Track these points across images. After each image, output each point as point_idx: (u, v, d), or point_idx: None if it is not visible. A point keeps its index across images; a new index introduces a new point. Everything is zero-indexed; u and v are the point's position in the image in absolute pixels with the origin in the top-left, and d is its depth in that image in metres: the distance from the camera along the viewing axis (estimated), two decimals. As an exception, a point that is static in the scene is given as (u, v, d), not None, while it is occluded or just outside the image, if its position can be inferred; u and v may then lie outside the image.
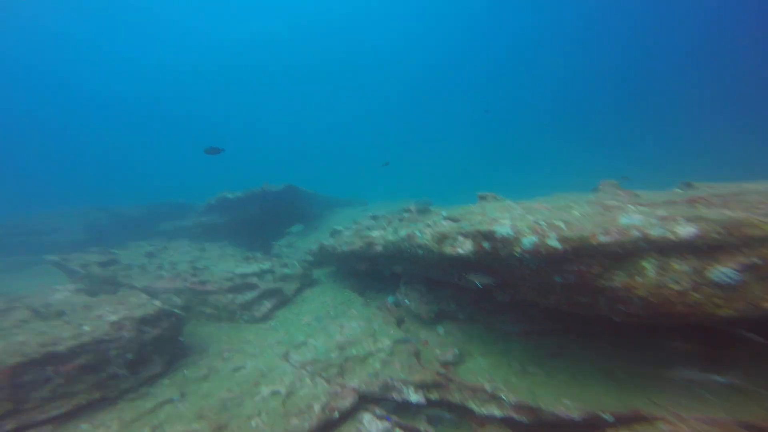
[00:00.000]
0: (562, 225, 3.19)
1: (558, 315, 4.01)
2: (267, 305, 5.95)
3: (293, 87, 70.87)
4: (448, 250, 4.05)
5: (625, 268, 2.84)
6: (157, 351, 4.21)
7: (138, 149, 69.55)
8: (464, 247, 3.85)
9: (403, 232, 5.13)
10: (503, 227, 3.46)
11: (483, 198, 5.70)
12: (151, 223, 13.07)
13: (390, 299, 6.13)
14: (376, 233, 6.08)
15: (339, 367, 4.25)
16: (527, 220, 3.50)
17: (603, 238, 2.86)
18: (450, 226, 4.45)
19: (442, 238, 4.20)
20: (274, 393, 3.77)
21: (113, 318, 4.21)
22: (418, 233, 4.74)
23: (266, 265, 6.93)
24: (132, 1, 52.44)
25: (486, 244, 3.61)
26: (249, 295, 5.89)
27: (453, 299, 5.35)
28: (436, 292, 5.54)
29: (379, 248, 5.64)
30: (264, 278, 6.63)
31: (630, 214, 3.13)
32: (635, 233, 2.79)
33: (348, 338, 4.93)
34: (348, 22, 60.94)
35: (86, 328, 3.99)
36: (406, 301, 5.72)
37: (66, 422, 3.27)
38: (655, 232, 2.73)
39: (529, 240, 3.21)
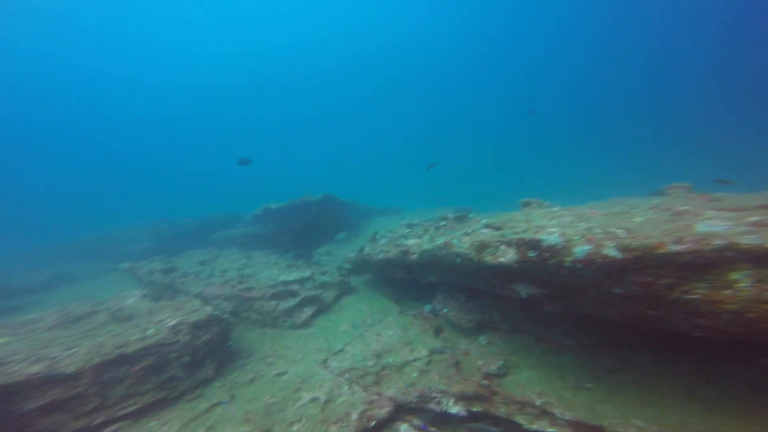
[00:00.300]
0: (620, 232, 2.89)
1: (618, 327, 3.63)
2: (307, 312, 6.11)
3: (331, 98, 73.34)
4: (488, 259, 3.88)
5: (707, 280, 2.50)
6: (209, 355, 4.48)
7: (197, 166, 76.14)
8: (507, 256, 3.66)
9: (439, 241, 5.03)
10: (551, 235, 3.22)
11: (527, 204, 5.40)
12: (206, 233, 14.15)
13: (427, 308, 6.03)
14: (411, 241, 6.05)
15: (376, 375, 4.24)
16: (579, 227, 3.22)
17: (674, 247, 2.54)
18: (490, 234, 4.29)
19: (482, 246, 4.04)
20: (314, 399, 3.83)
21: (172, 323, 4.58)
22: (455, 242, 4.63)
23: (306, 273, 7.14)
24: (186, 22, 57.97)
25: (531, 254, 3.39)
26: (290, 302, 6.10)
27: (495, 309, 5.11)
28: (476, 301, 5.35)
29: (414, 257, 5.60)
30: (304, 285, 6.83)
31: (709, 220, 2.75)
32: (718, 242, 2.43)
33: (384, 346, 4.90)
34: (380, 30, 62.36)
35: (150, 332, 4.38)
36: (444, 310, 5.57)
37: (139, 419, 3.61)
38: (747, 241, 2.36)
39: (581, 249, 2.94)
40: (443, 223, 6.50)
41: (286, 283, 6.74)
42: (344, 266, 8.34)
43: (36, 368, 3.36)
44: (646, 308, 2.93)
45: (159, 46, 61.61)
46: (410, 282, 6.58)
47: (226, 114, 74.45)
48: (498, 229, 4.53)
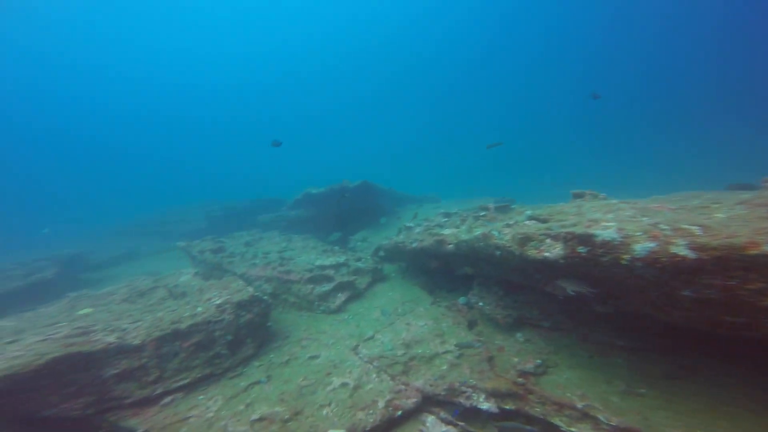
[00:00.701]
0: (695, 229, 2.48)
1: (679, 331, 3.22)
2: (341, 297, 6.23)
3: (368, 86, 73.00)
4: (531, 253, 3.61)
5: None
6: (250, 334, 4.75)
7: (244, 151, 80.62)
8: (553, 250, 3.37)
9: (477, 231, 4.80)
10: (606, 230, 2.88)
11: (579, 196, 4.94)
12: (252, 215, 14.98)
13: (461, 300, 5.84)
14: (447, 231, 5.87)
15: (404, 365, 4.22)
16: (641, 222, 2.83)
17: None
18: (535, 226, 3.99)
19: (525, 239, 3.76)
20: (344, 385, 3.91)
21: (218, 301, 4.90)
22: (495, 233, 4.38)
23: (342, 259, 7.26)
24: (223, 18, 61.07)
25: (582, 249, 3.07)
26: (325, 287, 6.25)
27: (536, 305, 4.81)
28: (515, 297, 5.07)
29: (450, 247, 5.41)
30: (339, 271, 6.95)
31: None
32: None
33: (414, 337, 4.86)
34: (421, 22, 60.67)
35: (199, 309, 4.73)
36: (480, 303, 5.37)
37: (189, 392, 3.94)
38: None
39: (643, 246, 2.58)
40: (483, 213, 6.21)
41: (323, 267, 6.92)
42: (379, 253, 8.38)
43: (111, 338, 3.81)
44: (724, 314, 2.53)
45: (195, 42, 65.51)
46: (445, 272, 6.41)
47: (267, 108, 77.53)
48: (544, 221, 4.23)
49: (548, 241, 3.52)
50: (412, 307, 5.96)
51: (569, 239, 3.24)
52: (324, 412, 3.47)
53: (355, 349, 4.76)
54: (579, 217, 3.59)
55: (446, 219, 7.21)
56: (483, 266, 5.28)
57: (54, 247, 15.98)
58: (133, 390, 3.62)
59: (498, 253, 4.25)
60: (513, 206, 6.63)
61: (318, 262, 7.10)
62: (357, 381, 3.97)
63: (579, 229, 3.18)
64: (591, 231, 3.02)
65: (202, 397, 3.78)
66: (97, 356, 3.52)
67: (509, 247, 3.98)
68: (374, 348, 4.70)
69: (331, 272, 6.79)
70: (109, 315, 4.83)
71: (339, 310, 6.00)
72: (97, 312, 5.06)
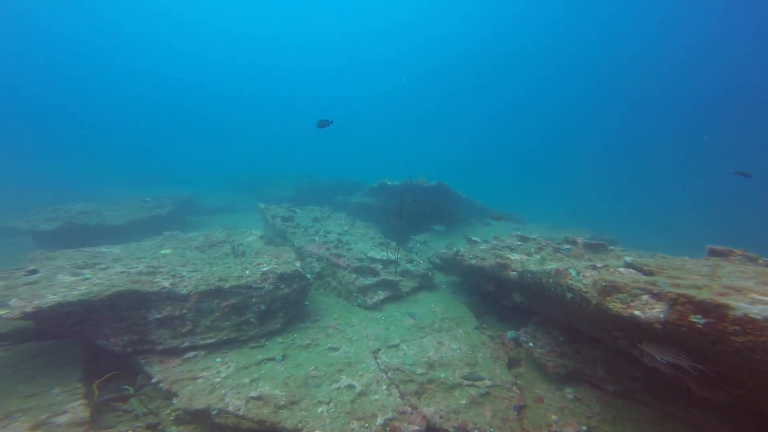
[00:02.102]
0: None
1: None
2: (380, 295, 6.13)
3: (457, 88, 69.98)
4: (614, 306, 3.07)
5: None
6: (283, 309, 5.01)
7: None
8: (650, 310, 2.83)
9: (551, 266, 4.28)
10: (754, 305, 2.34)
11: (720, 254, 4.04)
12: (334, 193, 15.97)
13: (510, 334, 5.28)
14: (515, 256, 5.39)
15: (419, 386, 3.92)
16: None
17: None
18: (632, 277, 3.41)
19: (612, 289, 3.19)
20: (350, 387, 3.82)
21: (265, 268, 5.22)
22: (572, 272, 3.83)
23: (393, 256, 7.11)
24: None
25: (697, 319, 2.49)
26: (368, 281, 6.21)
27: (603, 363, 4.04)
28: (577, 347, 4.36)
29: (513, 274, 4.95)
30: (388, 268, 6.84)
31: None
32: None
33: (442, 358, 4.51)
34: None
35: (247, 272, 5.14)
36: (531, 343, 4.76)
37: (211, 352, 4.27)
38: None
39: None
40: (567, 247, 5.44)
41: (372, 260, 6.90)
42: (434, 260, 8.03)
43: (166, 283, 4.37)
44: None
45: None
46: (500, 298, 5.82)
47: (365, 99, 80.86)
48: (650, 273, 3.60)
49: (645, 297, 2.93)
50: (451, 326, 5.55)
51: (680, 302, 2.65)
52: (320, 409, 3.45)
53: (375, 352, 4.63)
54: (709, 280, 2.96)
55: (520, 243, 6.57)
56: (547, 305, 4.68)
57: (180, 186, 19.88)
58: (167, 338, 4.07)
59: (569, 295, 3.70)
60: (612, 247, 5.60)
61: (370, 254, 7.11)
62: (365, 387, 3.84)
63: (703, 295, 2.57)
64: (723, 301, 2.42)
65: (219, 360, 4.11)
66: (149, 298, 4.05)
67: (585, 292, 3.45)
68: (395, 357, 4.51)
69: (378, 267, 6.73)
70: (179, 260, 5.64)
71: (374, 307, 5.92)
72: (173, 254, 5.98)
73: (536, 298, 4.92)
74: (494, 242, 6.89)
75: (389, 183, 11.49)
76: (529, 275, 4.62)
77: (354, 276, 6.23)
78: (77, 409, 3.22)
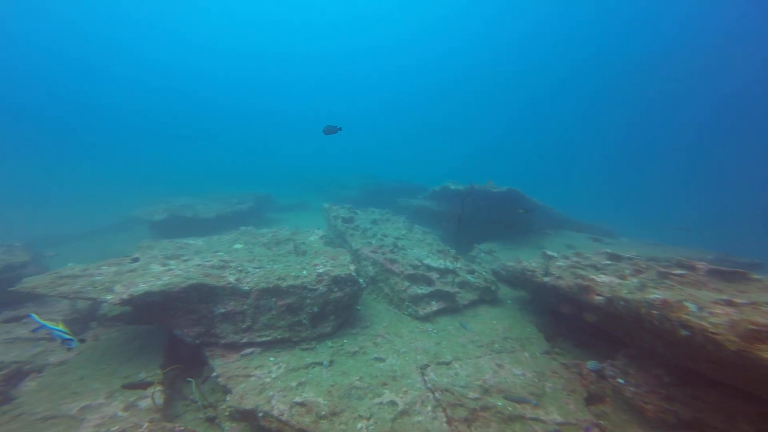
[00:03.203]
0: None
1: None
2: (433, 306, 5.87)
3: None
4: (763, 353, 2.61)
5: None
6: (335, 312, 5.11)
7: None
8: None
9: (655, 295, 3.70)
10: None
11: None
12: (397, 195, 16.05)
13: (591, 365, 4.61)
14: (603, 278, 4.75)
15: (470, 412, 3.64)
16: None
17: None
18: None
19: (755, 334, 2.68)
20: (392, 403, 3.73)
21: (321, 270, 5.38)
22: (691, 306, 3.29)
23: (452, 265, 6.76)
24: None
25: None
26: (421, 290, 6.01)
27: (743, 416, 3.31)
28: (695, 391, 3.65)
29: (599, 299, 4.37)
30: (445, 277, 6.54)
31: None
32: None
33: (500, 383, 4.13)
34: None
35: (304, 272, 5.36)
36: (621, 380, 4.12)
37: (266, 350, 4.55)
38: None
39: None
40: (681, 272, 4.50)
41: (428, 268, 6.67)
42: (500, 272, 7.45)
43: (232, 278, 4.80)
44: None
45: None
46: (577, 319, 5.15)
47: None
48: None
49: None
50: (515, 348, 5.08)
51: None
52: (359, 425, 3.41)
53: (423, 368, 4.44)
54: None
55: (610, 263, 5.77)
56: (645, 338, 4.06)
57: (263, 185, 22.12)
58: (229, 332, 4.46)
59: (684, 333, 3.19)
60: (757, 275, 4.48)
61: (426, 261, 6.89)
62: (408, 405, 3.70)
63: None
64: None
65: (272, 359, 4.36)
66: (216, 292, 4.50)
67: (714, 333, 2.92)
68: (445, 377, 4.27)
69: (434, 276, 6.47)
70: (248, 255, 6.16)
71: (426, 318, 5.70)
72: (244, 249, 6.56)
73: (630, 329, 4.27)
74: (575, 259, 6.10)
75: (452, 187, 11.03)
76: (622, 303, 4.00)
77: (407, 284, 6.08)
78: (156, 395, 3.72)
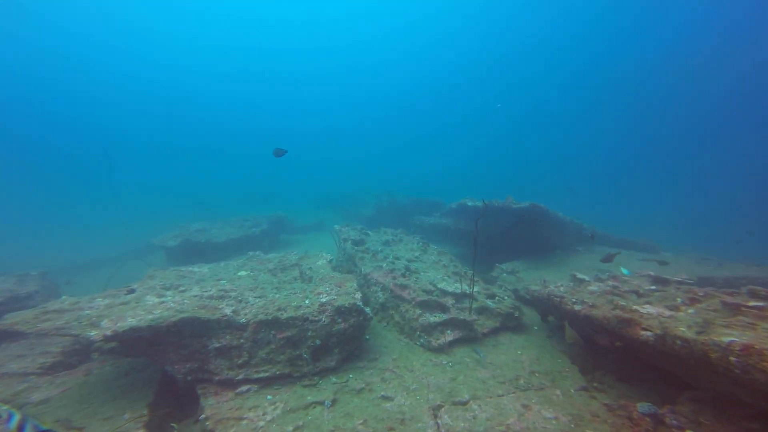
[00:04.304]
0: None
1: None
2: (449, 336, 5.44)
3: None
4: None
5: None
6: (339, 345, 4.81)
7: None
8: None
9: (729, 337, 3.15)
10: None
11: None
12: (413, 211, 15.78)
13: (644, 407, 3.89)
14: (650, 309, 4.19)
15: None
16: None
17: None
18: None
19: None
20: (400, 457, 3.29)
21: (324, 299, 5.11)
22: None
23: (469, 289, 6.32)
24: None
25: None
26: (435, 318, 5.60)
27: None
28: None
29: (647, 335, 3.82)
30: (461, 302, 6.11)
31: None
32: None
33: (528, 429, 3.65)
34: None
35: (307, 302, 5.09)
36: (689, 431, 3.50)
37: (264, 387, 4.27)
38: None
39: None
40: (759, 304, 3.93)
41: (443, 293, 6.28)
42: (524, 296, 6.93)
43: (229, 310, 4.58)
44: None
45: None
46: (617, 349, 4.66)
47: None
48: None
49: None
50: (544, 384, 4.55)
51: None
52: (359, 481, 3.02)
53: (436, 409, 4.03)
54: None
55: (655, 287, 5.18)
56: (723, 385, 3.43)
57: (280, 205, 22.52)
58: (224, 368, 4.23)
59: (762, 379, 2.76)
60: None
61: (441, 285, 6.49)
62: (418, 457, 3.28)
63: None
64: None
65: (270, 397, 4.09)
66: (210, 325, 4.31)
67: None
68: (461, 420, 3.84)
69: (449, 301, 6.05)
70: (251, 282, 6.01)
71: (440, 349, 5.26)
72: (248, 277, 6.44)
73: (694, 370, 3.68)
74: (611, 283, 5.54)
75: (470, 204, 10.65)
76: (680, 343, 3.44)
77: (418, 312, 5.69)
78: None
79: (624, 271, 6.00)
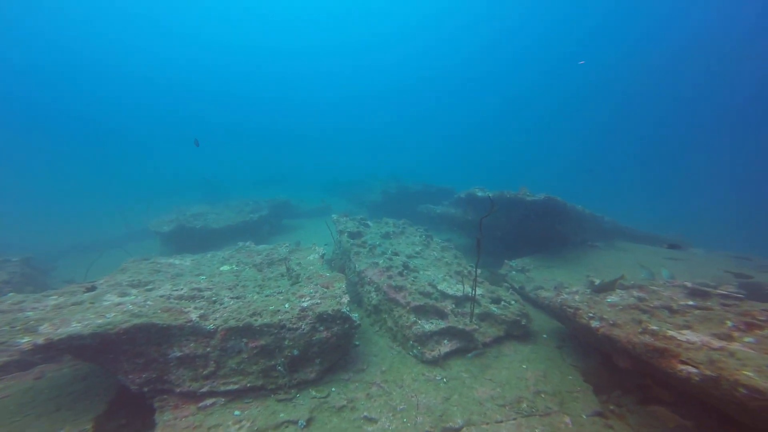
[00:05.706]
0: None
1: None
2: (445, 347, 4.99)
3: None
4: None
5: None
6: (320, 355, 4.42)
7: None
8: None
9: None
10: None
11: None
12: (420, 199, 15.13)
13: None
14: (692, 337, 3.52)
15: None
16: None
17: None
18: None
19: None
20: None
21: (305, 303, 4.63)
22: None
23: (472, 292, 5.80)
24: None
25: None
26: (430, 326, 5.14)
27: None
28: None
29: (689, 371, 3.16)
30: (462, 307, 5.63)
31: None
32: None
33: None
34: None
35: (287, 305, 4.60)
36: None
37: (232, 400, 3.91)
38: None
39: None
40: None
41: (443, 295, 5.81)
42: (532, 297, 6.37)
43: (195, 315, 4.17)
44: None
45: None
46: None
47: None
48: None
49: None
50: (551, 409, 4.10)
51: None
52: None
53: (424, 437, 3.59)
54: None
55: (693, 303, 4.48)
56: None
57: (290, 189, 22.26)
58: (186, 379, 3.88)
59: None
60: None
61: (441, 286, 6.01)
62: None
63: None
64: None
65: (238, 413, 3.75)
66: (172, 332, 3.94)
67: None
68: (452, 451, 3.40)
69: (449, 306, 5.57)
70: (232, 280, 5.64)
71: (434, 362, 4.82)
72: (230, 272, 6.07)
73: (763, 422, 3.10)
74: (636, 294, 4.89)
75: (479, 194, 9.97)
76: (746, 393, 2.73)
77: (413, 318, 5.23)
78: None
79: (664, 273, 5.30)
